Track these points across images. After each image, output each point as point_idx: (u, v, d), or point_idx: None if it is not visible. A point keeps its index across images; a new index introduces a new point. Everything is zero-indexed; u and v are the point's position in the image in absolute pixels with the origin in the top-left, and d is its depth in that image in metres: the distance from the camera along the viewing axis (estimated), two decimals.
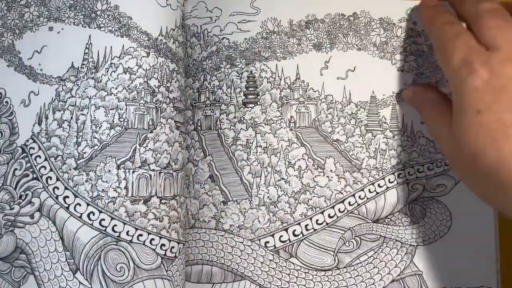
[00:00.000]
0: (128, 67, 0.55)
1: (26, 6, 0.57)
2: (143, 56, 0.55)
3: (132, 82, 0.55)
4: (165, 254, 0.53)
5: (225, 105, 0.59)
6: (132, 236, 0.52)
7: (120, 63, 0.55)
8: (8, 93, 0.56)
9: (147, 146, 0.54)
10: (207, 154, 0.58)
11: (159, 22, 0.56)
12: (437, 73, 0.59)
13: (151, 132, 0.54)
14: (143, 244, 0.52)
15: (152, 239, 0.53)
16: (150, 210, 0.53)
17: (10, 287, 0.53)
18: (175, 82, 0.56)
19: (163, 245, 0.53)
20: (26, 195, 0.54)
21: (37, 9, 0.56)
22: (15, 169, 0.54)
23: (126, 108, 0.54)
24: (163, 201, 0.54)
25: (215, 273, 0.56)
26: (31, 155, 0.54)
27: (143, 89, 0.55)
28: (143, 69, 0.55)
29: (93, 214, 0.53)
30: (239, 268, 0.56)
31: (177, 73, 0.57)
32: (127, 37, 0.55)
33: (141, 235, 0.52)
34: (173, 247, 0.53)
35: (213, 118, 0.59)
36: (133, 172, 0.53)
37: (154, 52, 0.55)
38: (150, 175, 0.53)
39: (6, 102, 0.56)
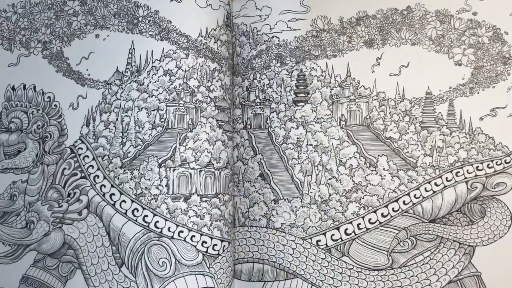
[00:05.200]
0: (168, 69, 0.57)
1: (74, 15, 0.60)
2: (182, 58, 0.57)
3: (171, 84, 0.57)
4: (206, 251, 0.54)
5: (275, 103, 0.59)
6: (173, 232, 0.54)
7: (160, 66, 0.57)
8: (57, 97, 0.59)
9: (187, 145, 0.56)
10: (257, 153, 0.59)
11: (199, 23, 0.57)
12: (497, 66, 0.56)
13: (191, 131, 0.56)
14: (184, 240, 0.54)
15: (193, 236, 0.54)
16: (190, 207, 0.54)
17: (57, 282, 0.56)
18: (217, 81, 0.58)
19: (204, 242, 0.54)
20: (75, 193, 0.57)
21: (84, 17, 0.60)
22: (64, 168, 0.57)
23: (167, 109, 0.57)
24: (204, 199, 0.55)
25: (266, 271, 0.57)
26: (80, 155, 0.57)
27: (182, 90, 0.57)
28: (182, 70, 0.57)
29: (137, 211, 0.55)
30: (291, 266, 0.56)
31: (219, 72, 0.58)
32: (167, 40, 0.57)
33: (181, 231, 0.54)
34: (215, 244, 0.55)
35: (263, 116, 0.60)
36: (174, 170, 0.55)
37: (194, 53, 0.57)
38: (190, 174, 0.55)
39: (55, 105, 0.59)
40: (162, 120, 0.56)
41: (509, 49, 0.56)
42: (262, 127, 0.60)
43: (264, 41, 0.60)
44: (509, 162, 0.55)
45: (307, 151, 0.58)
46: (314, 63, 0.59)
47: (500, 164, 0.55)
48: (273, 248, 0.57)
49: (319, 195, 0.57)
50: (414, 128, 0.57)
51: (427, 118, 0.57)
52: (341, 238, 0.56)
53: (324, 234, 0.56)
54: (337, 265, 0.56)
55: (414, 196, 0.56)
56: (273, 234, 0.57)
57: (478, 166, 0.56)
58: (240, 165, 0.59)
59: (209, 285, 0.53)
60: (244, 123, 0.60)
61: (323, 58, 0.59)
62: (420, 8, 0.58)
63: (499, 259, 0.54)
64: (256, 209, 0.58)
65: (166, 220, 0.54)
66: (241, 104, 0.61)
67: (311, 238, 0.57)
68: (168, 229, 0.54)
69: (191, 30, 0.57)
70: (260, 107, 0.60)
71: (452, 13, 0.57)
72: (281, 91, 0.59)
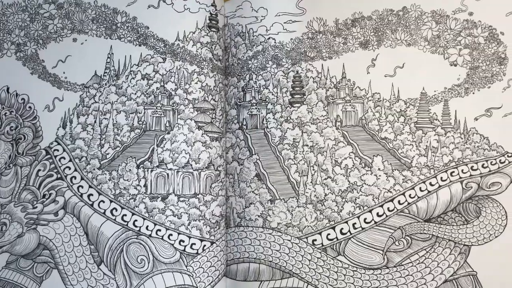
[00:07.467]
0: (146, 73, 0.59)
1: (50, 18, 0.61)
2: (160, 62, 0.59)
3: (149, 87, 0.59)
4: (184, 250, 0.56)
5: (271, 104, 0.60)
6: (151, 230, 0.56)
7: (138, 70, 0.59)
8: (32, 99, 0.59)
9: (164, 146, 0.58)
10: (253, 153, 0.59)
11: (176, 27, 0.59)
12: (493, 66, 0.56)
13: (168, 133, 0.58)
14: (162, 238, 0.56)
15: (170, 234, 0.56)
16: (167, 207, 0.56)
17: (32, 283, 0.56)
18: (196, 83, 0.59)
19: (182, 241, 0.56)
20: (50, 194, 0.57)
21: (61, 21, 0.60)
22: (39, 170, 0.58)
23: (145, 112, 0.58)
24: (181, 198, 0.56)
25: (262, 271, 0.58)
26: (55, 156, 0.58)
27: (159, 93, 0.59)
28: (160, 74, 0.59)
29: (116, 210, 0.57)
30: (287, 266, 0.57)
31: (198, 74, 0.59)
32: (145, 46, 0.59)
33: (159, 230, 0.56)
34: (194, 243, 0.56)
35: (259, 117, 0.60)
36: (152, 171, 0.57)
37: (171, 57, 0.59)
38: (168, 174, 0.57)
39: (30, 107, 0.59)
40: (140, 122, 0.58)
41: (505, 49, 0.56)
42: (258, 127, 0.60)
43: (260, 42, 0.60)
44: (504, 162, 0.55)
45: (303, 151, 0.58)
46: (310, 64, 0.59)
47: (495, 164, 0.56)
48: (269, 247, 0.58)
49: (315, 195, 0.57)
50: (409, 128, 0.57)
51: (422, 119, 0.57)
52: (336, 237, 0.57)
53: (320, 233, 0.57)
54: (332, 264, 0.56)
55: (409, 195, 0.56)
56: (270, 234, 0.58)
57: (473, 166, 0.56)
58: (235, 165, 0.60)
59: (186, 283, 0.55)
60: (240, 124, 0.61)
61: (319, 59, 0.59)
62: (416, 8, 0.58)
63: (495, 259, 0.54)
64: (252, 209, 0.58)
65: (144, 219, 0.56)
66: (236, 105, 0.61)
67: (307, 238, 0.57)
68: (146, 228, 0.56)
69: (168, 34, 0.59)
70: (256, 108, 0.60)
71: (448, 14, 0.57)
72: (277, 92, 0.60)
